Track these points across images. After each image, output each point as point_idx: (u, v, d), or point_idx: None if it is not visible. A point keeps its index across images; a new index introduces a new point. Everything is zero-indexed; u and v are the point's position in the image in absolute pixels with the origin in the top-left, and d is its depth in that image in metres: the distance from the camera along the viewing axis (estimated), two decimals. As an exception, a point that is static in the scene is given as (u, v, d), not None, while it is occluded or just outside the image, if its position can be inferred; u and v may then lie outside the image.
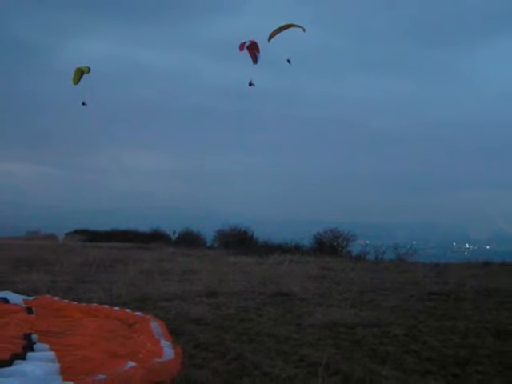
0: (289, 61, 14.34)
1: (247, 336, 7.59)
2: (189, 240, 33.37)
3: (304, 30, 13.69)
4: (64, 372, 4.02)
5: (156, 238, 35.44)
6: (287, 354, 6.60)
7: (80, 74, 15.68)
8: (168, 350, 5.03)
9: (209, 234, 35.07)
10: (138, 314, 6.50)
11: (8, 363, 3.87)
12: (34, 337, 4.75)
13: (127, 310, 6.54)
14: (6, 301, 6.82)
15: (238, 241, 30.02)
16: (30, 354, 4.15)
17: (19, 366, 3.91)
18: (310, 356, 6.40)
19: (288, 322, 8.54)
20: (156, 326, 6.16)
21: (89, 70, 15.62)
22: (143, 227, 40.23)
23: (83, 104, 16.40)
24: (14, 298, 7.09)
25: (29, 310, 6.38)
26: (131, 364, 4.52)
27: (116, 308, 7.14)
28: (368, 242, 31.60)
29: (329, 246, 28.01)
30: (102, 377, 4.08)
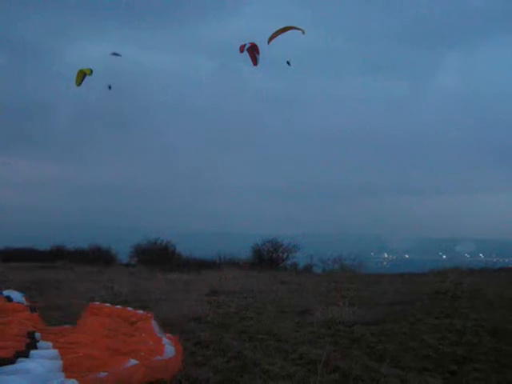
0: (288, 63, 14.31)
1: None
2: (101, 257, 28.98)
3: (303, 33, 13.72)
4: (67, 369, 3.89)
5: (60, 256, 29.91)
6: (287, 351, 6.52)
7: (82, 75, 15.23)
8: (169, 348, 4.89)
9: (123, 250, 31.25)
10: (140, 312, 6.35)
11: (12, 361, 3.73)
12: (38, 335, 4.64)
13: (129, 308, 6.40)
14: (9, 299, 6.64)
15: (158, 256, 26.45)
16: (33, 351, 4.04)
17: (22, 364, 3.79)
18: (308, 354, 6.32)
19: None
20: (156, 324, 6.01)
21: (91, 71, 15.03)
22: (43, 245, 35.67)
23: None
24: (17, 296, 6.91)
25: (32, 309, 6.24)
26: (133, 362, 4.38)
27: (118, 306, 7.00)
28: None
29: (268, 258, 25.89)
30: (103, 374, 3.94)
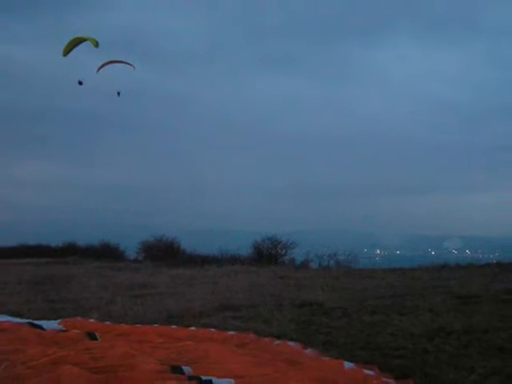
0: (119, 93, 14.28)
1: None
2: (109, 254, 28.79)
3: (134, 68, 13.75)
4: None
5: (71, 252, 29.39)
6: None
7: (76, 43, 12.41)
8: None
9: (130, 247, 31.28)
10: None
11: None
12: (187, 368, 4.18)
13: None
14: (42, 328, 6.12)
15: (164, 253, 26.43)
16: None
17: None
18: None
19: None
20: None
21: (97, 43, 12.33)
22: (55, 241, 33.38)
23: (80, 83, 13.46)
24: (48, 324, 6.48)
25: (91, 336, 5.62)
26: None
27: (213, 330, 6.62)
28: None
29: (268, 254, 25.70)
30: None
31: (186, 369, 4.15)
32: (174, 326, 6.98)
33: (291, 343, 5.97)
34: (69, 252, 29.33)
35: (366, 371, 4.66)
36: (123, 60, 13.76)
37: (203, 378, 3.96)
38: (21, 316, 7.86)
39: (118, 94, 14.57)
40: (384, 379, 4.54)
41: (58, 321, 6.98)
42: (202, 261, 23.09)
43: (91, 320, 7.38)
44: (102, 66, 13.35)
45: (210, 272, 17.26)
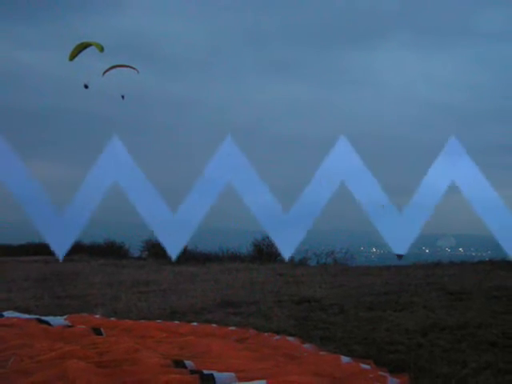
0: (123, 97, 14.31)
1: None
2: (113, 252, 27.88)
3: (138, 72, 13.85)
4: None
5: (77, 250, 31.03)
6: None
7: (81, 48, 12.43)
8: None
9: (134, 245, 29.83)
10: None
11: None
12: (189, 363, 4.16)
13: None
14: (49, 324, 6.09)
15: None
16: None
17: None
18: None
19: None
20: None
21: (102, 48, 12.27)
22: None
23: (86, 87, 13.57)
24: (55, 319, 6.48)
25: (96, 331, 5.59)
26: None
27: (214, 325, 6.60)
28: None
29: (267, 252, 24.65)
30: None
31: (189, 363, 4.17)
32: (176, 322, 6.99)
33: (290, 338, 5.99)
34: (75, 250, 29.29)
35: (363, 365, 4.67)
36: (128, 64, 13.86)
37: (205, 372, 3.96)
38: (28, 312, 7.85)
39: (123, 97, 14.61)
40: (380, 373, 4.55)
41: (65, 316, 6.98)
42: (204, 259, 23.13)
43: (96, 316, 7.37)
44: (108, 69, 13.40)
45: (212, 269, 17.24)
